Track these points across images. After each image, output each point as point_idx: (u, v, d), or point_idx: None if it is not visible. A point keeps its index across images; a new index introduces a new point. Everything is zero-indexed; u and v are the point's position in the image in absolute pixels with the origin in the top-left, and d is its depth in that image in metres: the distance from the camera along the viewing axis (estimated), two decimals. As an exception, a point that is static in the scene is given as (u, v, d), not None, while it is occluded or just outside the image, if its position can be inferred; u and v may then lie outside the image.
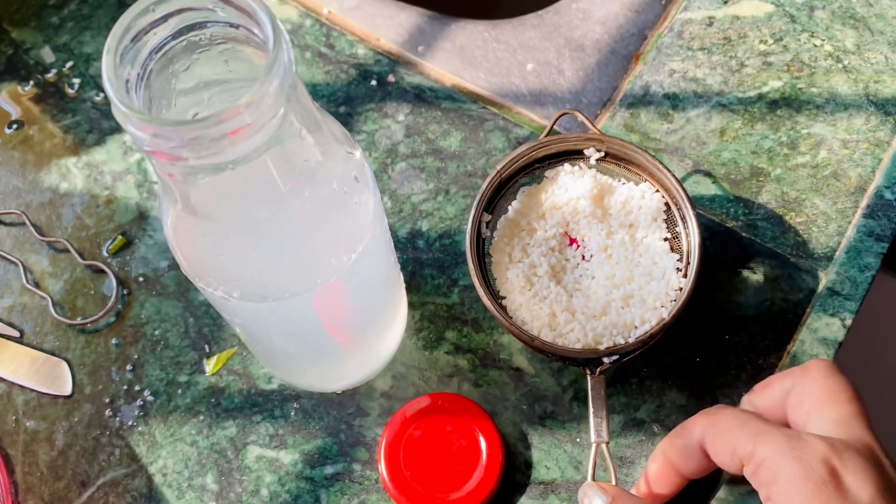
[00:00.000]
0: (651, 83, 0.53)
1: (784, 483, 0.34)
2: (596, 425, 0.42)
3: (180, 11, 0.29)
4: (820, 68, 0.53)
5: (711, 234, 0.49)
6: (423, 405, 0.44)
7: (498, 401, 0.46)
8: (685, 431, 0.39)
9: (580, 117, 0.48)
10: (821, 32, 0.54)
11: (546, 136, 0.48)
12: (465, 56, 0.55)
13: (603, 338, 0.44)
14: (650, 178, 0.47)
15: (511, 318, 0.44)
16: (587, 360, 0.43)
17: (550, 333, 0.44)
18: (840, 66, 0.53)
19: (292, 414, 0.46)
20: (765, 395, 0.39)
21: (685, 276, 0.44)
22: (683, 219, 0.46)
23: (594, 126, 0.48)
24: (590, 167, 0.48)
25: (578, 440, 0.45)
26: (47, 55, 0.56)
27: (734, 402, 0.45)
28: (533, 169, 0.48)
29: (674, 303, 0.44)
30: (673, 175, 0.46)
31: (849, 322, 0.46)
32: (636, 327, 0.44)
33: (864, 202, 0.49)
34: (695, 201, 0.49)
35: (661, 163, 0.46)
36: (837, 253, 0.48)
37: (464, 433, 0.44)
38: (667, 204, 0.47)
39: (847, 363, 0.41)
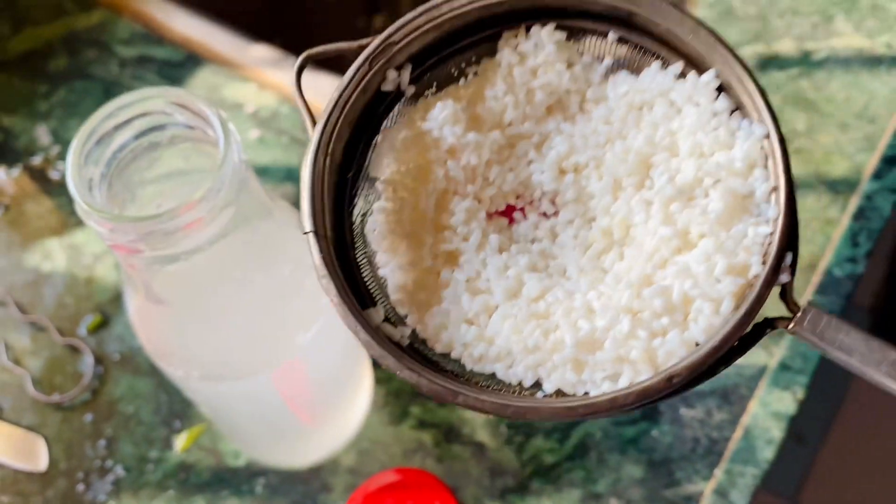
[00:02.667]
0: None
1: None
2: None
3: (141, 116, 0.31)
4: (772, 150, 0.55)
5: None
6: (384, 481, 0.46)
7: (460, 475, 0.47)
8: None
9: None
10: (773, 116, 0.57)
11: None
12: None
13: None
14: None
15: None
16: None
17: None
18: (792, 147, 0.55)
19: (259, 490, 0.47)
20: None
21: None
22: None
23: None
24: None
25: (539, 514, 0.46)
26: (42, 137, 0.58)
27: (689, 475, 0.46)
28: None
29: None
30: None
31: (801, 396, 0.48)
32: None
33: (815, 279, 0.51)
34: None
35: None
36: (790, 328, 0.50)
37: (425, 508, 0.45)
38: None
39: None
